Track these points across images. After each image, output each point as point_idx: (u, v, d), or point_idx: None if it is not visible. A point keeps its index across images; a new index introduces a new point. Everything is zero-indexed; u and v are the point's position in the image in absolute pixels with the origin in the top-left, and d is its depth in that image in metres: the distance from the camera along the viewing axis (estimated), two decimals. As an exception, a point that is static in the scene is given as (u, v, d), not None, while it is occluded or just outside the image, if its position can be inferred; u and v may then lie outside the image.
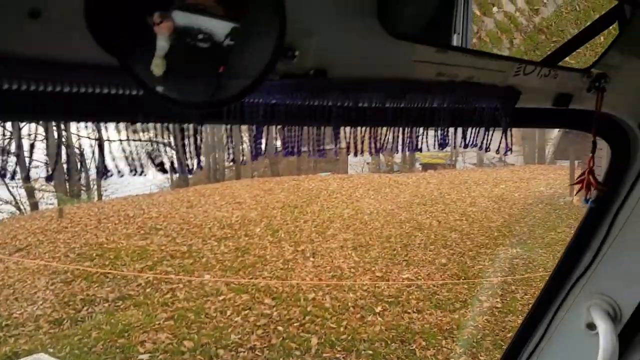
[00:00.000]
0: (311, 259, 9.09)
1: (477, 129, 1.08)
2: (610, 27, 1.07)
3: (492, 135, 1.10)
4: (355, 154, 0.93)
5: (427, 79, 0.94)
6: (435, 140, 1.05)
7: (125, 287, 7.93)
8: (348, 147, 0.93)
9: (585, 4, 1.09)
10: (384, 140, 0.99)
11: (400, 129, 0.98)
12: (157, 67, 0.61)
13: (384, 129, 0.96)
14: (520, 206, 12.22)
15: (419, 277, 7.95)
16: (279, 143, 0.87)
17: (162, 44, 0.61)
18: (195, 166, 0.73)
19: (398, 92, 0.92)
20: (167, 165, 0.74)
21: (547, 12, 0.96)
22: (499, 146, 1.09)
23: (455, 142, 1.07)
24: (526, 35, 0.97)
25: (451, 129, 1.06)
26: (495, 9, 0.92)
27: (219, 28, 0.63)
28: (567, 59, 1.06)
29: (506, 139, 1.08)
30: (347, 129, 0.92)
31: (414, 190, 13.64)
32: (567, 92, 1.12)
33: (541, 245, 9.26)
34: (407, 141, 1.01)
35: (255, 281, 7.60)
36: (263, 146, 0.83)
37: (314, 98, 0.82)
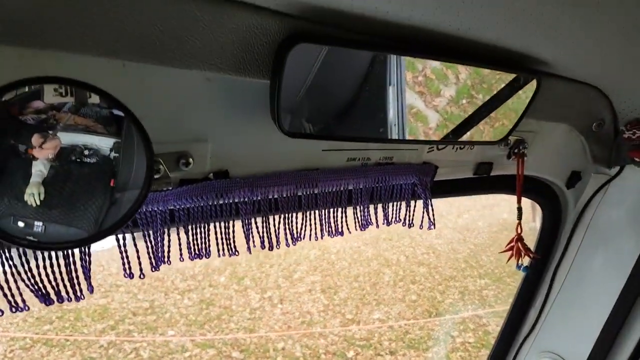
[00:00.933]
0: (279, 305, 8.86)
1: (398, 205, 1.06)
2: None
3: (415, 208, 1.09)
4: (271, 248, 0.88)
5: (338, 166, 0.92)
6: (355, 221, 1.02)
7: (87, 349, 7.47)
8: (262, 241, 0.88)
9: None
10: (301, 227, 0.95)
11: (316, 214, 0.95)
12: (33, 195, 0.57)
13: (299, 216, 0.93)
14: (485, 235, 12.42)
15: (390, 317, 7.85)
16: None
17: (39, 168, 0.57)
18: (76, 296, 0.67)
19: (309, 181, 0.90)
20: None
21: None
22: (421, 221, 1.08)
23: (377, 221, 1.05)
24: (472, 70, 0.98)
25: (372, 208, 1.04)
26: None
27: (103, 143, 0.63)
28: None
29: (427, 213, 1.07)
30: (260, 223, 0.88)
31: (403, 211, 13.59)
32: (487, 161, 1.13)
33: (508, 273, 9.37)
34: (325, 226, 0.97)
35: (221, 335, 7.29)
36: (165, 253, 0.77)
37: (217, 198, 0.78)
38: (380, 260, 10.79)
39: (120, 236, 0.74)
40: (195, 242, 0.81)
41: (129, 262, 0.75)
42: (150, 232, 0.75)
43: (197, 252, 0.81)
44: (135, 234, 0.78)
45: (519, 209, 1.12)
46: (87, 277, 0.70)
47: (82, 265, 0.70)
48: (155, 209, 0.74)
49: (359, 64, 0.84)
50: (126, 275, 0.74)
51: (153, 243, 0.76)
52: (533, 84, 0.98)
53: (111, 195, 0.64)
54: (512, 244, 1.11)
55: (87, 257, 0.70)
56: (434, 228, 1.05)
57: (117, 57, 0.61)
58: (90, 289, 0.69)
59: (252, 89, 0.76)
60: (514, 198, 1.30)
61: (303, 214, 0.95)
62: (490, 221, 13.16)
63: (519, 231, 1.10)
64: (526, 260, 1.15)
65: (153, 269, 0.77)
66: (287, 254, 11.52)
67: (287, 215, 0.91)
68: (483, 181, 1.17)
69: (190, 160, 0.73)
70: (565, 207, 1.31)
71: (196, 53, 0.65)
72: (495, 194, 1.24)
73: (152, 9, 0.59)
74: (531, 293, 1.41)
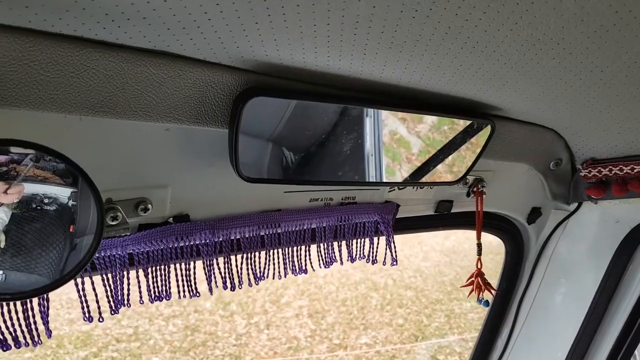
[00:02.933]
0: (265, 331, 8.72)
1: (362, 242, 1.09)
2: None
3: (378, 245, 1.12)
4: (233, 288, 0.90)
5: (301, 206, 0.95)
6: (319, 258, 1.05)
7: (69, 378, 7.20)
8: (224, 282, 0.90)
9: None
10: (264, 266, 0.98)
11: (280, 253, 0.97)
12: (-5, 244, 0.59)
13: (263, 255, 0.95)
14: (471, 258, 12.42)
15: (377, 341, 7.78)
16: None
17: (1, 215, 0.60)
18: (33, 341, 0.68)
19: (272, 221, 0.92)
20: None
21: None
22: (384, 258, 1.11)
23: (341, 258, 1.08)
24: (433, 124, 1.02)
25: (336, 245, 1.07)
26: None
27: (61, 192, 0.66)
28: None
29: (390, 250, 1.10)
30: (221, 265, 0.90)
31: (367, 248, 13.57)
32: (448, 199, 1.17)
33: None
34: (289, 264, 1.00)
35: (205, 362, 7.13)
36: (125, 296, 0.79)
37: (178, 241, 0.81)
38: (367, 283, 10.73)
39: (79, 280, 0.76)
40: (155, 284, 0.82)
41: (87, 306, 0.77)
42: (109, 275, 0.77)
43: (157, 294, 0.82)
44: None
45: (479, 245, 1.15)
46: (45, 323, 0.71)
47: (40, 311, 0.72)
48: (114, 253, 0.76)
49: (321, 111, 0.88)
50: (85, 319, 0.75)
51: (112, 287, 0.78)
52: (488, 128, 1.03)
53: (71, 241, 0.67)
54: (472, 279, 1.14)
55: (45, 302, 0.71)
56: (397, 264, 1.08)
57: (73, 112, 0.64)
58: (48, 333, 0.71)
59: (212, 136, 0.80)
60: None
61: (267, 253, 0.97)
62: (475, 244, 13.17)
63: (479, 266, 1.13)
64: (487, 295, 1.18)
65: (112, 312, 0.78)
66: (275, 279, 11.36)
67: (249, 254, 0.94)
68: (444, 218, 1.21)
69: (149, 205, 0.76)
70: (527, 242, 1.36)
71: (153, 107, 0.69)
72: (457, 229, 1.28)
73: (107, 67, 0.63)
74: (497, 324, 1.43)
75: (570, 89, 0.91)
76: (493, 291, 1.14)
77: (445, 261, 12.00)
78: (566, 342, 1.34)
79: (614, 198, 1.24)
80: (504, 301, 1.41)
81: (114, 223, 0.73)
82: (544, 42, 0.68)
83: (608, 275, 1.27)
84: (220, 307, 9.90)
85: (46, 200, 0.65)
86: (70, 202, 0.67)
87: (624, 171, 1.19)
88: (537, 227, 1.36)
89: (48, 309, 0.70)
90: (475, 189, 1.15)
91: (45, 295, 0.71)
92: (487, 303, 1.15)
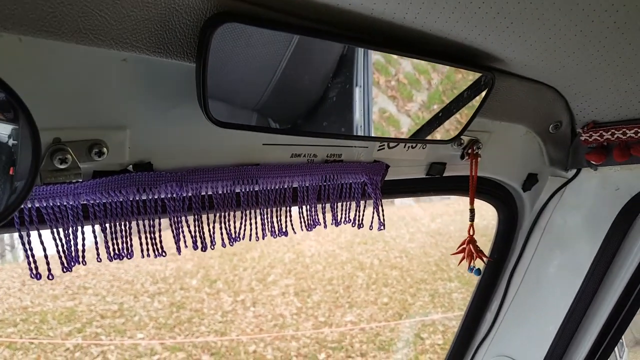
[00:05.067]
0: (252, 308, 8.77)
1: (348, 204, 1.01)
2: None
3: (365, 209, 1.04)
4: (204, 249, 0.82)
5: (281, 162, 0.86)
6: (301, 221, 0.97)
7: (52, 352, 7.27)
8: (194, 242, 0.81)
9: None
10: (240, 227, 0.89)
11: (259, 213, 0.89)
12: None
13: (238, 214, 0.86)
14: (457, 239, 12.56)
15: (362, 319, 7.88)
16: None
17: None
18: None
19: (248, 177, 0.83)
20: None
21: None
22: (371, 222, 1.03)
23: (325, 221, 1.00)
24: (443, 76, 0.94)
25: (320, 207, 0.99)
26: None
27: (1, 130, 0.57)
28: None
29: (378, 214, 1.02)
30: (191, 223, 0.81)
31: (354, 229, 13.68)
32: (440, 161, 1.09)
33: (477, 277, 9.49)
34: (268, 225, 0.91)
35: (192, 338, 7.15)
36: (80, 252, 0.70)
37: (140, 193, 0.71)
38: (354, 263, 10.80)
39: (24, 233, 0.66)
40: (115, 241, 0.73)
41: (35, 262, 0.67)
42: (60, 229, 0.68)
43: (117, 252, 0.73)
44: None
45: (472, 211, 1.08)
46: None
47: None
48: (65, 203, 0.67)
49: (304, 48, 0.79)
50: (32, 276, 0.66)
51: (64, 241, 0.69)
52: (485, 82, 0.95)
53: (11, 184, 0.58)
54: (463, 246, 1.07)
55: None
56: (384, 229, 1.00)
57: (10, 29, 0.54)
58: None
59: (178, 72, 0.70)
60: (485, 204, 1.27)
61: (242, 213, 0.88)
62: (461, 226, 13.31)
63: (471, 233, 1.06)
64: (479, 263, 1.11)
65: (64, 270, 0.69)
66: (262, 257, 11.38)
67: (223, 213, 0.85)
68: (436, 182, 1.13)
69: (104, 149, 0.66)
70: (522, 210, 1.29)
71: (106, 29, 0.58)
72: (448, 195, 1.21)
73: None
74: (487, 296, 1.38)
75: (580, 34, 0.83)
76: (485, 259, 1.07)
77: (431, 242, 12.10)
78: (558, 316, 1.29)
79: (615, 164, 1.17)
80: (494, 273, 1.35)
81: (62, 166, 0.63)
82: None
83: (605, 246, 1.22)
84: (206, 285, 9.90)
85: (-19, 139, 0.56)
86: (11, 142, 0.58)
87: (628, 135, 1.12)
88: (532, 194, 1.29)
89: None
90: (470, 151, 1.07)
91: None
92: (478, 271, 1.09)
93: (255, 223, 0.90)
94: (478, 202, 1.16)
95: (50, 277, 0.67)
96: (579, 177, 1.26)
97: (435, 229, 13.26)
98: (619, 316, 1.28)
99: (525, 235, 1.30)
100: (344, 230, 13.72)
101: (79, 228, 0.70)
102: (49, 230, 0.69)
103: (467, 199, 1.13)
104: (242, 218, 0.89)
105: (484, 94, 0.97)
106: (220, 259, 11.38)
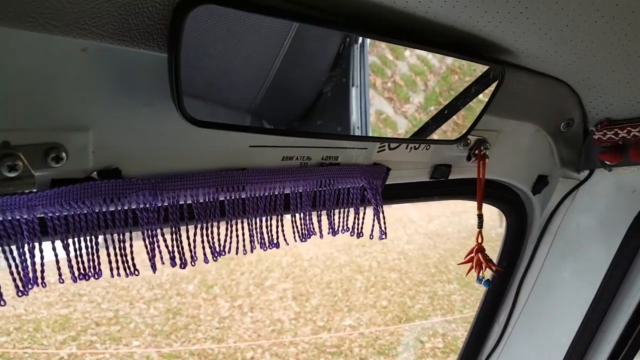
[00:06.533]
0: (249, 314, 8.69)
1: (346, 211, 0.92)
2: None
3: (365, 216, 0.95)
4: (183, 266, 0.72)
5: (271, 166, 0.77)
6: (294, 231, 0.88)
7: (46, 362, 7.10)
8: (171, 257, 0.72)
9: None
10: (225, 240, 0.80)
11: (247, 224, 0.79)
12: None
13: (222, 226, 0.77)
14: (455, 241, 12.57)
15: (361, 323, 7.82)
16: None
17: None
18: None
19: (234, 183, 0.74)
20: None
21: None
22: (372, 230, 0.94)
23: (320, 231, 0.91)
24: (440, 77, 0.87)
25: (315, 215, 0.90)
26: (407, 52, 0.82)
27: None
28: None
29: (378, 221, 0.93)
30: (168, 237, 0.72)
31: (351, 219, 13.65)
32: (445, 163, 1.00)
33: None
34: (257, 237, 0.82)
35: (188, 345, 7.06)
36: (38, 273, 0.60)
37: (107, 204, 0.62)
38: (352, 266, 10.72)
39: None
40: (79, 258, 0.64)
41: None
42: (13, 247, 0.58)
43: (82, 271, 0.64)
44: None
45: (480, 216, 0.99)
46: None
47: None
48: (18, 217, 0.57)
49: (293, 36, 0.70)
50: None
51: (17, 260, 0.59)
52: (495, 76, 0.86)
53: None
54: (471, 255, 0.98)
55: None
56: (385, 238, 0.91)
57: None
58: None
59: (148, 63, 0.61)
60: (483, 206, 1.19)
61: (228, 223, 0.79)
62: (459, 227, 13.26)
63: (480, 241, 0.97)
64: (488, 273, 1.02)
65: (20, 294, 0.60)
66: (259, 261, 11.28)
67: (205, 225, 0.75)
68: (440, 185, 1.04)
69: (63, 154, 0.57)
70: (531, 214, 1.20)
71: (60, 13, 0.49)
72: (453, 199, 1.12)
73: None
74: (495, 307, 1.29)
75: (601, 20, 0.74)
76: (495, 269, 0.99)
77: (429, 244, 12.03)
78: (571, 327, 1.21)
79: (631, 164, 1.09)
80: (502, 281, 1.26)
81: (12, 174, 0.54)
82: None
83: (621, 252, 1.13)
84: (203, 290, 9.79)
85: None
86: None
87: (646, 133, 1.04)
88: (542, 198, 1.21)
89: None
90: (477, 152, 0.98)
91: None
92: (488, 283, 1.00)
93: (243, 234, 0.81)
94: (475, 203, 1.07)
95: (2, 303, 0.58)
96: (592, 178, 1.18)
97: (433, 230, 13.20)
98: (636, 326, 1.20)
99: (535, 242, 1.21)
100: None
101: (36, 245, 0.60)
102: None
103: (464, 200, 1.05)
104: (227, 229, 0.80)
105: (492, 89, 0.88)
106: (217, 264, 11.27)
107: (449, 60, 0.87)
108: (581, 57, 0.89)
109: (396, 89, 0.86)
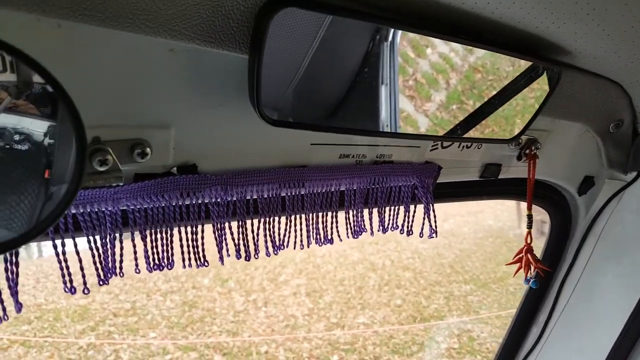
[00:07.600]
0: (263, 308, 8.74)
1: (396, 209, 0.93)
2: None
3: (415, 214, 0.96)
4: (248, 258, 0.74)
5: (329, 163, 0.79)
6: (347, 228, 0.89)
7: (66, 350, 7.29)
8: (237, 250, 0.74)
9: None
10: (284, 234, 0.82)
11: (303, 219, 0.81)
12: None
13: (283, 221, 0.79)
14: (471, 241, 12.43)
15: (375, 321, 7.80)
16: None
17: None
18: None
19: (295, 179, 0.76)
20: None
21: (481, 51, 0.88)
22: (422, 229, 0.95)
23: (371, 228, 0.92)
24: (462, 75, 0.87)
25: (367, 213, 0.91)
26: (429, 50, 0.82)
27: (36, 127, 0.50)
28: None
29: (429, 220, 0.94)
30: (235, 226, 0.74)
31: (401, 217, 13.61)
32: (495, 162, 1.00)
33: (494, 280, 9.36)
34: (313, 232, 0.84)
35: (204, 338, 7.14)
36: (117, 263, 0.63)
37: (183, 198, 0.64)
38: (365, 264, 10.70)
39: (59, 242, 0.59)
40: (155, 250, 0.66)
41: (69, 274, 0.60)
42: (97, 237, 0.61)
43: (157, 262, 0.66)
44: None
45: (529, 216, 0.99)
46: (14, 294, 0.55)
47: (8, 278, 0.56)
48: (104, 209, 0.60)
49: (359, 44, 0.71)
50: (66, 290, 0.59)
51: (101, 250, 0.62)
52: (551, 76, 0.86)
53: (46, 189, 0.51)
54: (520, 255, 0.98)
55: (13, 267, 0.55)
56: (436, 236, 0.92)
57: (49, 13, 0.47)
58: (18, 307, 0.55)
59: (228, 65, 0.63)
60: (499, 205, 1.18)
61: (287, 218, 0.81)
62: (475, 227, 13.14)
63: (529, 241, 0.97)
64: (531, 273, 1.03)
65: (101, 283, 0.63)
66: (273, 257, 11.30)
67: (268, 219, 0.77)
68: (489, 184, 1.05)
69: (148, 150, 0.59)
70: (576, 216, 1.20)
71: (155, 14, 0.51)
72: (501, 199, 1.12)
73: None
74: (534, 308, 1.29)
75: None
76: (543, 269, 0.99)
77: (444, 243, 11.94)
78: (612, 332, 1.20)
79: (681, 167, 1.08)
80: (543, 283, 1.25)
81: (102, 168, 0.56)
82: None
83: (668, 256, 1.12)
84: (218, 284, 9.88)
85: (17, 137, 0.49)
86: (47, 140, 0.51)
87: (698, 135, 1.03)
88: (587, 199, 1.20)
89: (17, 275, 0.54)
90: (527, 151, 0.98)
91: (13, 259, 0.55)
92: (535, 283, 1.00)
93: (300, 229, 0.83)
94: (491, 202, 1.07)
95: (86, 291, 0.60)
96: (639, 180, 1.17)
97: (448, 229, 13.09)
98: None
99: (578, 243, 1.21)
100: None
101: (117, 236, 0.63)
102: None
103: (510, 200, 1.05)
104: (286, 224, 0.82)
105: (547, 89, 0.88)
106: (231, 258, 11.34)
107: (472, 58, 0.87)
108: (635, 60, 0.88)
109: (417, 87, 0.86)
